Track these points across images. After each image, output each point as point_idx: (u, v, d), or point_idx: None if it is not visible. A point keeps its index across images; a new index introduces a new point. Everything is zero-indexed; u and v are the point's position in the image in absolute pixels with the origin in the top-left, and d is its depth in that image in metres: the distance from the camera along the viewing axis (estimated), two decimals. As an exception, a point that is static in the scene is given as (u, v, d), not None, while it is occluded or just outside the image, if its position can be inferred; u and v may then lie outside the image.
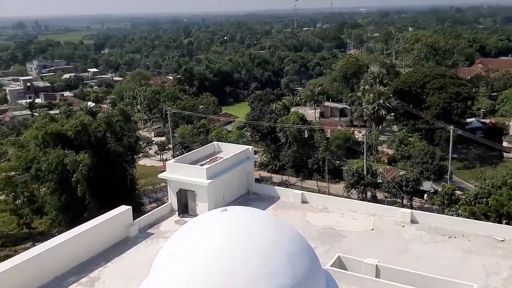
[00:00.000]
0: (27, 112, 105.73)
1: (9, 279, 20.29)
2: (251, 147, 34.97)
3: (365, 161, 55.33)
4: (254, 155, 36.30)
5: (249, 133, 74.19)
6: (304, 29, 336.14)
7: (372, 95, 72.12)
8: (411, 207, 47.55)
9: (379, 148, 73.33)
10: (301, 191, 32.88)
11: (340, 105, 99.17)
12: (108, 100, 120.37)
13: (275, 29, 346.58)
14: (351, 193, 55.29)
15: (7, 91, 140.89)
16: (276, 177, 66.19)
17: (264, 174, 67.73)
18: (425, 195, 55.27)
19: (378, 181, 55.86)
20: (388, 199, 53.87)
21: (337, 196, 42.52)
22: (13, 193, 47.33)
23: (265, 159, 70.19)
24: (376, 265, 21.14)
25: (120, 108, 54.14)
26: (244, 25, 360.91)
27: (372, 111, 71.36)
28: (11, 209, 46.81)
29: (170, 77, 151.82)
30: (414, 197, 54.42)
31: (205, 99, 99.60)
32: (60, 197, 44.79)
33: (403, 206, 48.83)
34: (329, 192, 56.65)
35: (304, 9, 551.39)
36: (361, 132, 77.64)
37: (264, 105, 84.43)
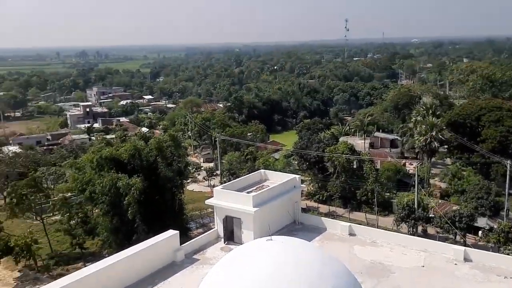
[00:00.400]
0: (85, 136, 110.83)
1: (61, 297, 21.02)
2: (298, 176, 34.88)
3: (416, 194, 53.64)
4: (301, 184, 36.16)
5: (296, 162, 74.02)
6: (354, 59, 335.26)
7: (424, 126, 70.42)
8: (465, 244, 45.39)
9: (431, 181, 70.96)
10: (348, 223, 32.31)
11: (390, 136, 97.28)
12: (160, 126, 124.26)
13: (325, 59, 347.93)
14: (401, 227, 53.56)
15: (68, 115, 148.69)
16: (323, 208, 65.33)
17: (311, 204, 67.05)
18: (480, 232, 52.64)
19: (430, 215, 53.85)
20: (440, 235, 51.71)
21: (386, 229, 41.27)
22: (68, 214, 49.35)
23: (312, 188, 69.61)
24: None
25: (170, 134, 55.71)
26: (294, 54, 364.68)
27: (424, 143, 69.55)
28: (65, 229, 48.67)
29: (221, 105, 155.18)
30: (467, 234, 51.95)
31: (254, 127, 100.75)
32: (111, 219, 46.25)
33: (455, 242, 46.64)
34: (378, 225, 55.16)
35: (354, 39, 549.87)
36: (412, 164, 75.59)
37: (313, 134, 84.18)
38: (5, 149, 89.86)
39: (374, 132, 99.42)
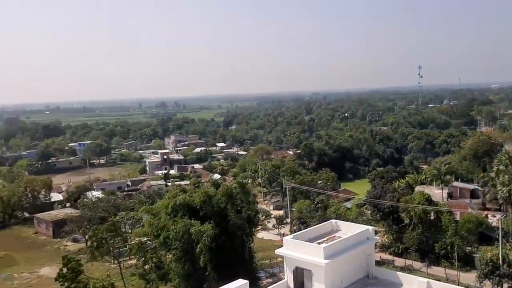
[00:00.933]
0: (162, 182, 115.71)
1: None
2: (372, 227, 34.00)
3: (500, 249, 49.86)
4: (375, 235, 35.16)
5: (369, 212, 71.94)
6: (429, 105, 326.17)
7: (507, 176, 66.15)
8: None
9: (518, 235, 65.70)
10: (426, 279, 30.71)
11: (470, 186, 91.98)
12: (231, 173, 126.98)
13: (398, 106, 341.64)
14: (484, 284, 49.68)
15: (147, 162, 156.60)
16: (399, 261, 62.32)
17: (386, 256, 64.27)
18: None
19: (517, 273, 49.56)
20: (530, 295, 47.33)
21: (468, 287, 38.58)
22: (143, 258, 51.15)
23: (386, 240, 66.93)
24: None
25: (239, 182, 56.73)
26: (365, 101, 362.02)
27: (508, 194, 65.12)
28: (140, 273, 50.34)
29: (291, 152, 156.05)
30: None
31: (324, 174, 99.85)
32: (184, 266, 47.25)
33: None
34: (458, 282, 51.57)
35: (429, 86, 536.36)
36: (495, 216, 70.68)
37: (386, 183, 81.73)
38: (89, 194, 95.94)
39: (453, 181, 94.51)
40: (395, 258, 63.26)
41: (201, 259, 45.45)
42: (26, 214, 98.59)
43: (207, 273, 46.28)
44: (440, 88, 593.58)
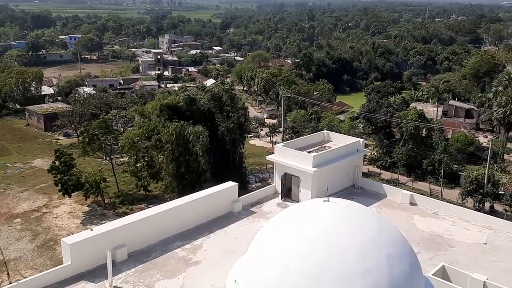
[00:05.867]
0: (155, 83, 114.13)
1: (124, 234, 22.30)
2: (362, 140, 33.84)
3: (487, 168, 50.71)
4: (365, 148, 35.17)
5: (362, 125, 72.10)
6: (436, 20, 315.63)
7: (505, 98, 65.70)
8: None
9: (506, 156, 66.77)
10: (410, 192, 31.22)
11: (466, 105, 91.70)
12: (227, 79, 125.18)
13: (404, 18, 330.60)
14: (467, 201, 51.24)
15: (140, 61, 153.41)
16: (386, 174, 63.65)
17: (373, 169, 65.53)
18: (555, 215, 49.28)
19: (500, 192, 50.93)
20: (509, 213, 49.01)
21: (450, 202, 39.61)
22: (135, 157, 51.68)
23: (376, 153, 67.81)
24: (485, 281, 19.42)
25: (224, 88, 55.89)
26: (371, 11, 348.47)
27: (502, 116, 65.14)
28: (132, 170, 51.11)
29: (289, 61, 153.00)
30: (540, 215, 48.81)
31: (321, 86, 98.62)
32: (178, 166, 47.81)
33: (526, 223, 44.08)
34: (441, 197, 53.13)
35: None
36: (487, 137, 71.27)
37: (382, 97, 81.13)
38: (80, 89, 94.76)
39: (449, 100, 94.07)
40: (382, 171, 64.55)
41: (203, 162, 45.88)
42: (17, 106, 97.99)
43: (204, 174, 46.90)
44: (450, 2, 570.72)
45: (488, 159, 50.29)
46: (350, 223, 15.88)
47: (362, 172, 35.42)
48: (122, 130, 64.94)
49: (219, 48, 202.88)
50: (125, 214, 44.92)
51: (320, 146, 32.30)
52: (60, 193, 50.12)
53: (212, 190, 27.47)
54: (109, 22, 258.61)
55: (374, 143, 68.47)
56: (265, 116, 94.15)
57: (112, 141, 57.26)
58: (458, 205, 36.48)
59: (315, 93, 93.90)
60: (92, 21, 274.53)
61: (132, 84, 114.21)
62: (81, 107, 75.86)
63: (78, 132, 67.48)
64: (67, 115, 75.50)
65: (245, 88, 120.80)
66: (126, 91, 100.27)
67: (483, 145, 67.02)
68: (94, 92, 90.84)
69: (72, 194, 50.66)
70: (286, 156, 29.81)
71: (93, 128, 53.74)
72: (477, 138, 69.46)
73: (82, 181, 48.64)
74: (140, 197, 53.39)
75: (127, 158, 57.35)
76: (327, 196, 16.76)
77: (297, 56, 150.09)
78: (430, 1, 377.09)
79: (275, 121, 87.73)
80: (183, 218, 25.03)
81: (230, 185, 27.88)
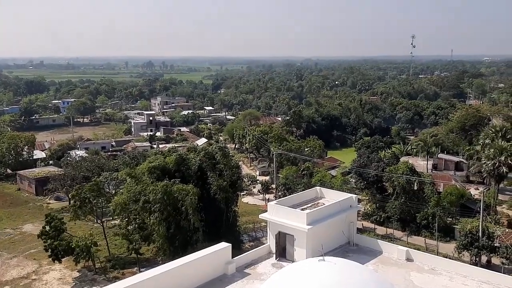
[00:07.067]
0: (147, 144, 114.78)
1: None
2: (355, 195, 33.91)
3: (481, 221, 50.62)
4: (358, 204, 35.16)
5: (354, 180, 72.36)
6: (420, 76, 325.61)
7: (493, 150, 66.76)
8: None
9: (498, 208, 66.86)
10: (406, 248, 30.93)
11: (455, 158, 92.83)
12: (220, 137, 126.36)
13: (389, 75, 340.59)
14: (463, 255, 50.68)
15: (132, 123, 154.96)
16: (380, 229, 63.20)
17: (368, 224, 65.11)
18: (553, 267, 48.74)
19: (495, 245, 50.53)
20: (506, 266, 48.40)
21: (446, 257, 39.21)
22: (126, 219, 51.03)
23: (369, 209, 67.65)
24: None
25: (218, 146, 56.49)
26: (356, 70, 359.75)
27: (492, 168, 65.87)
28: (123, 233, 50.28)
29: (279, 118, 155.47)
30: (538, 268, 48.23)
31: (312, 142, 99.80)
32: (168, 227, 47.18)
33: (524, 276, 43.46)
34: (438, 252, 52.53)
35: (421, 56, 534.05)
36: (478, 189, 71.65)
37: (372, 152, 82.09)
38: (72, 153, 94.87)
39: (438, 153, 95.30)
40: (376, 226, 64.10)
41: (192, 219, 45.34)
42: (9, 171, 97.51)
43: (195, 234, 46.21)
44: (433, 59, 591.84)
45: (481, 211, 50.32)
46: (347, 283, 15.69)
47: (357, 228, 35.19)
48: (114, 192, 64.51)
49: (210, 108, 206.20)
50: (116, 279, 43.82)
51: (313, 203, 32.26)
52: (50, 259, 48.94)
53: (205, 252, 26.98)
54: (102, 86, 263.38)
55: (367, 198, 68.48)
56: (257, 173, 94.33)
57: (103, 204, 56.77)
58: (455, 260, 36.11)
59: (306, 149, 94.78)
60: (85, 85, 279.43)
61: (124, 146, 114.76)
62: (72, 170, 75.77)
63: (69, 195, 66.86)
64: (59, 178, 75.24)
65: (237, 146, 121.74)
66: (118, 153, 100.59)
67: (474, 197, 67.29)
68: (86, 155, 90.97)
69: (63, 259, 49.48)
70: (280, 214, 29.67)
71: (85, 191, 53.42)
72: (468, 191, 69.87)
73: (72, 246, 47.74)
74: (132, 261, 52.16)
75: (118, 220, 56.59)
76: (322, 255, 16.65)
77: (287, 113, 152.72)
78: (413, 58, 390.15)
79: (267, 178, 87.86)
80: (175, 283, 24.37)
81: (223, 246, 27.44)
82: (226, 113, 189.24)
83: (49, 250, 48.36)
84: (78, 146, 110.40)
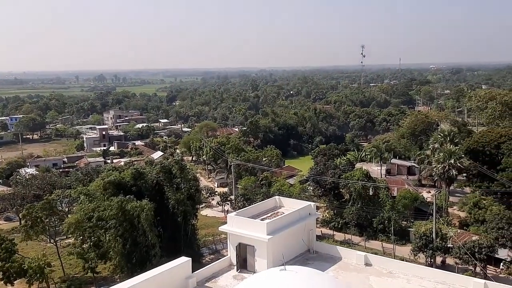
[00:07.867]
0: (101, 159, 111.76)
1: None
2: (314, 203, 34.30)
3: (434, 223, 52.40)
4: (316, 211, 35.56)
5: (311, 188, 73.25)
6: (371, 84, 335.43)
7: (442, 154, 69.39)
8: (485, 276, 43.96)
9: (450, 210, 69.42)
10: (364, 253, 31.48)
11: (407, 163, 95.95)
12: (177, 150, 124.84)
13: (341, 85, 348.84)
14: (419, 257, 52.19)
15: (84, 138, 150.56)
16: (339, 235, 64.17)
17: (326, 231, 65.96)
18: (501, 263, 50.98)
19: (448, 245, 52.42)
20: (459, 266, 50.23)
21: (403, 259, 40.25)
22: (81, 237, 49.28)
23: (327, 215, 68.61)
24: None
25: (175, 160, 56.06)
26: (310, 80, 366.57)
27: (442, 171, 68.39)
28: (78, 252, 48.54)
29: (236, 129, 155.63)
30: (488, 266, 50.33)
31: (269, 152, 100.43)
32: (124, 244, 45.90)
33: (475, 274, 45.25)
34: (394, 255, 53.83)
35: (371, 65, 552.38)
36: (430, 192, 74.22)
37: (328, 160, 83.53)
38: (22, 171, 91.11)
39: (391, 158, 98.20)
40: (335, 232, 65.04)
41: (149, 235, 44.30)
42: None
43: (152, 250, 45.16)
44: (382, 68, 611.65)
45: (433, 213, 52.08)
46: (308, 291, 15.75)
47: (316, 235, 35.54)
48: (67, 210, 62.32)
49: (165, 120, 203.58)
50: (72, 300, 42.08)
51: (273, 212, 32.35)
52: (2, 282, 46.49)
53: (164, 267, 26.42)
54: (52, 101, 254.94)
55: (325, 205, 69.46)
56: (216, 185, 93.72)
57: (56, 223, 54.64)
58: (411, 262, 37.08)
59: (263, 159, 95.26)
60: (34, 100, 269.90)
61: (76, 162, 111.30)
62: (22, 189, 72.80)
63: (20, 215, 63.99)
64: (8, 198, 72.03)
65: (194, 158, 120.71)
66: (71, 169, 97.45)
67: (427, 200, 69.59)
68: (37, 172, 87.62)
69: (15, 281, 47.09)
70: (239, 225, 29.54)
71: (36, 210, 51.27)
72: (421, 194, 72.22)
73: (25, 268, 45.54)
74: (88, 280, 50.42)
75: (72, 239, 54.57)
76: (283, 265, 16.65)
77: (244, 124, 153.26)
78: (364, 68, 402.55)
79: (226, 189, 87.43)
80: (135, 300, 23.73)
81: (183, 261, 27.00)
82: (182, 125, 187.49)
83: (0, 273, 45.99)
84: (28, 164, 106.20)
